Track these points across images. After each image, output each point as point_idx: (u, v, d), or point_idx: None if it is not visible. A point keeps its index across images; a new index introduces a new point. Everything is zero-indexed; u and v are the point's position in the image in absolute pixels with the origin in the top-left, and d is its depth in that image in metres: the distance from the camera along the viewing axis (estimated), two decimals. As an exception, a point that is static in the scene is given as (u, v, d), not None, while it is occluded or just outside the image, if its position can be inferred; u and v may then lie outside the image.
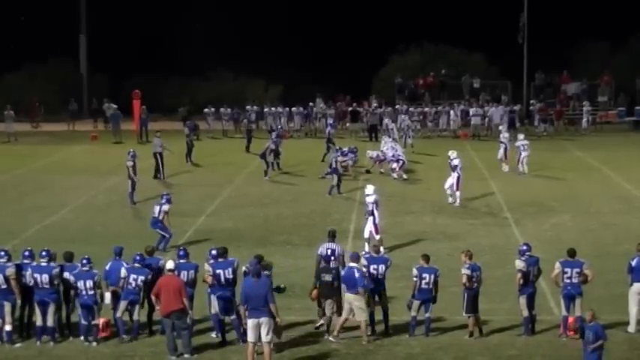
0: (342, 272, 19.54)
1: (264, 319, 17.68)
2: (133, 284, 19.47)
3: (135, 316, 19.55)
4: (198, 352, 18.79)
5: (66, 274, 19.57)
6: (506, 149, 39.93)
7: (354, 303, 19.23)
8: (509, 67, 59.72)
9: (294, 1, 64.74)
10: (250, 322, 17.72)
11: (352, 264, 19.48)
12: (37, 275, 19.31)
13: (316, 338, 19.59)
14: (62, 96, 60.14)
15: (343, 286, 19.46)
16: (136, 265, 19.65)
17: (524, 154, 39.21)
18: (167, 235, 26.73)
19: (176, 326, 18.66)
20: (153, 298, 19.05)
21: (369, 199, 26.41)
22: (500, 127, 44.74)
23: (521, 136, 40.59)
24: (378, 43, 61.81)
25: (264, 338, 17.71)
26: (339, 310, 20.40)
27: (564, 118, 55.61)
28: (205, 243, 26.43)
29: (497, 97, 55.96)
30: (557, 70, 59.04)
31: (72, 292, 19.60)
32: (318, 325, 19.99)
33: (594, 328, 16.71)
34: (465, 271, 19.56)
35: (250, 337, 17.75)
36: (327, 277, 19.88)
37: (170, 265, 19.18)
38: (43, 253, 19.60)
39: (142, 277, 19.48)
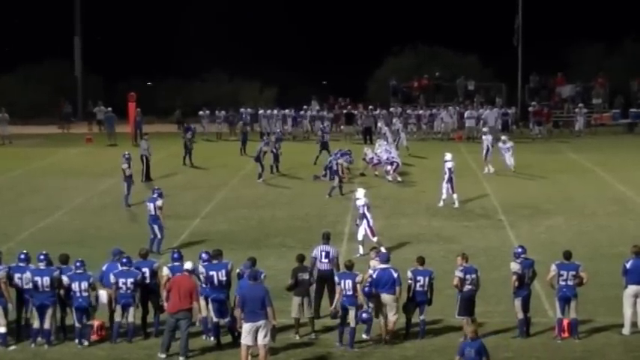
0: (374, 274, 19.42)
1: (262, 322, 17.65)
2: (124, 288, 19.44)
3: (130, 319, 19.53)
4: (192, 354, 18.78)
5: (62, 276, 19.55)
6: (488, 151, 39.91)
7: (391, 304, 19.28)
8: (503, 69, 59.79)
9: (289, 4, 64.78)
10: (248, 326, 17.66)
11: (385, 265, 19.53)
12: (37, 279, 19.28)
13: (311, 340, 19.61)
14: (57, 98, 60.10)
15: (372, 288, 19.42)
16: (124, 268, 19.64)
17: (507, 154, 39.55)
18: (159, 236, 26.71)
19: (180, 326, 18.62)
20: (164, 294, 19.10)
21: (360, 203, 26.46)
22: (484, 129, 44.70)
23: (504, 137, 40.89)
24: (373, 46, 61.91)
25: (262, 341, 17.67)
26: (316, 312, 20.50)
27: (560, 121, 55.71)
28: (200, 245, 26.38)
29: (491, 100, 56.03)
30: (552, 73, 59.07)
31: (64, 294, 19.56)
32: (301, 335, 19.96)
33: (476, 345, 15.80)
34: (458, 274, 19.59)
35: (247, 340, 17.70)
36: (305, 276, 19.98)
37: (188, 265, 19.13)
38: (41, 257, 19.58)
39: (131, 280, 19.46)
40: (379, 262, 19.87)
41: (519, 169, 40.16)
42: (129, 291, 19.45)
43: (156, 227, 26.79)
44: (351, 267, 19.65)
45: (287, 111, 54.18)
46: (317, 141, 44.59)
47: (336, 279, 19.63)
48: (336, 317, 19.57)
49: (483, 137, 41.23)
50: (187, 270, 19.06)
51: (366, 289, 19.44)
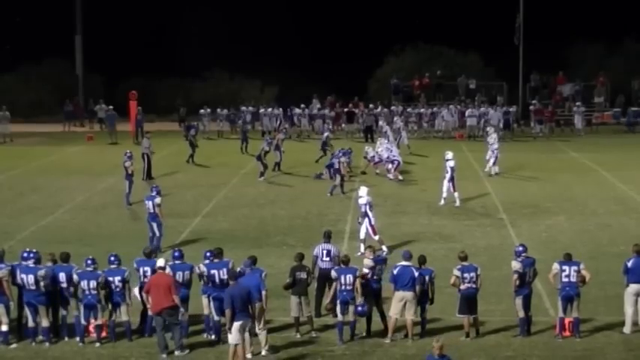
0: (394, 270, 19.53)
1: (248, 320, 18.01)
2: (113, 287, 19.45)
3: (123, 317, 19.55)
4: (193, 350, 18.81)
5: (62, 275, 19.53)
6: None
7: (411, 300, 19.37)
8: (504, 68, 59.71)
9: (290, 2, 64.74)
10: (238, 325, 17.83)
11: (406, 263, 19.62)
12: (23, 276, 19.34)
13: (312, 338, 19.63)
14: (58, 97, 60.13)
15: (391, 285, 19.56)
16: (112, 266, 19.64)
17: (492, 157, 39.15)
18: (158, 234, 26.69)
19: (168, 323, 18.68)
20: (144, 295, 19.18)
21: (362, 201, 26.45)
22: (488, 129, 44.61)
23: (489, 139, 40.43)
24: (375, 44, 61.82)
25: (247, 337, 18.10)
26: (317, 309, 20.56)
27: (561, 119, 55.69)
28: (201, 244, 26.42)
29: (493, 99, 55.97)
30: (553, 72, 59.04)
31: (67, 293, 19.57)
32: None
33: None
34: (455, 273, 19.67)
35: (236, 339, 17.87)
36: (302, 275, 20.03)
37: (161, 262, 19.21)
38: (31, 255, 19.61)
39: (118, 278, 19.46)
40: (372, 261, 20.03)
41: (520, 168, 40.20)
42: (117, 289, 19.44)
43: (155, 225, 26.76)
44: (347, 262, 19.78)
45: (288, 110, 54.00)
46: (323, 139, 43.69)
47: (334, 274, 19.69)
48: (335, 313, 19.67)
49: (488, 138, 40.99)
50: (160, 267, 19.12)
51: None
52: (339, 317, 19.52)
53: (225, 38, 62.44)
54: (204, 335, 19.69)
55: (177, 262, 19.88)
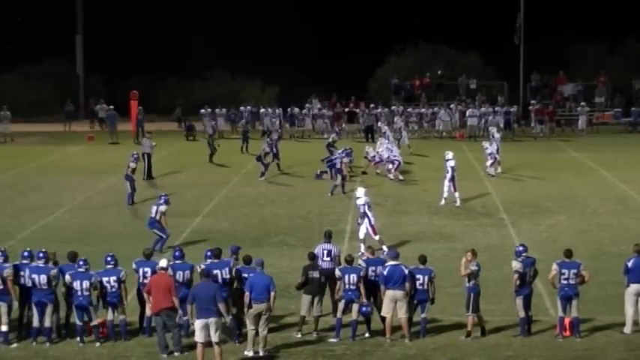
0: (384, 270, 19.52)
1: (212, 319, 17.87)
2: (108, 287, 19.43)
3: (120, 317, 19.53)
4: (193, 350, 18.78)
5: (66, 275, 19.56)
6: (497, 150, 39.56)
7: (401, 299, 19.37)
8: (505, 67, 59.74)
9: (291, 2, 64.75)
10: (199, 323, 17.84)
11: (394, 262, 19.63)
12: (34, 276, 19.32)
13: (312, 339, 19.61)
14: (58, 96, 60.16)
15: (381, 285, 19.57)
16: (108, 266, 19.63)
17: (488, 159, 39.02)
18: (164, 236, 26.67)
19: (167, 324, 18.68)
20: (145, 295, 19.17)
21: (360, 202, 26.44)
22: (490, 128, 44.51)
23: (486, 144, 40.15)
24: (375, 44, 61.84)
25: (214, 338, 17.87)
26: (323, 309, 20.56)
27: (561, 119, 55.66)
28: (201, 243, 26.42)
29: (493, 99, 55.92)
30: (554, 71, 59.03)
31: (66, 291, 19.57)
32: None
33: None
34: (473, 268, 19.58)
35: (199, 337, 17.88)
36: (315, 274, 20.05)
37: (163, 263, 19.18)
38: (40, 254, 19.59)
39: (114, 278, 19.44)
40: (364, 262, 20.10)
41: (521, 167, 40.19)
42: (113, 289, 19.42)
43: (155, 231, 26.71)
44: (351, 261, 19.85)
45: (289, 109, 53.97)
46: (329, 140, 43.45)
47: (339, 273, 19.71)
48: (335, 313, 19.71)
49: (492, 136, 40.94)
50: (162, 268, 19.10)
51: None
52: (339, 315, 19.57)
53: (226, 37, 62.42)
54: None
55: (177, 261, 19.86)
